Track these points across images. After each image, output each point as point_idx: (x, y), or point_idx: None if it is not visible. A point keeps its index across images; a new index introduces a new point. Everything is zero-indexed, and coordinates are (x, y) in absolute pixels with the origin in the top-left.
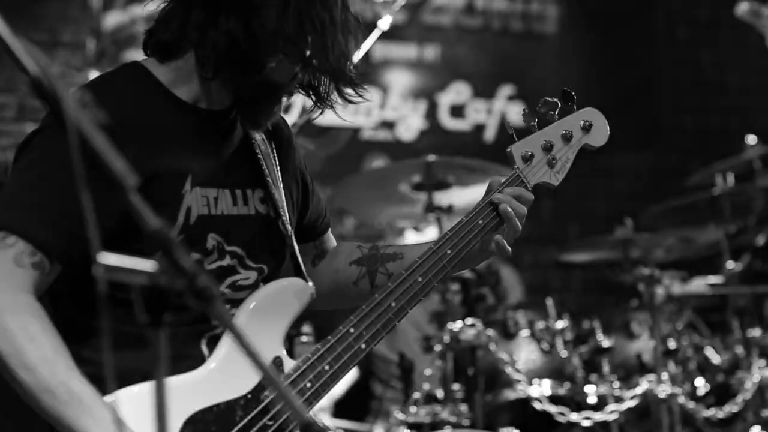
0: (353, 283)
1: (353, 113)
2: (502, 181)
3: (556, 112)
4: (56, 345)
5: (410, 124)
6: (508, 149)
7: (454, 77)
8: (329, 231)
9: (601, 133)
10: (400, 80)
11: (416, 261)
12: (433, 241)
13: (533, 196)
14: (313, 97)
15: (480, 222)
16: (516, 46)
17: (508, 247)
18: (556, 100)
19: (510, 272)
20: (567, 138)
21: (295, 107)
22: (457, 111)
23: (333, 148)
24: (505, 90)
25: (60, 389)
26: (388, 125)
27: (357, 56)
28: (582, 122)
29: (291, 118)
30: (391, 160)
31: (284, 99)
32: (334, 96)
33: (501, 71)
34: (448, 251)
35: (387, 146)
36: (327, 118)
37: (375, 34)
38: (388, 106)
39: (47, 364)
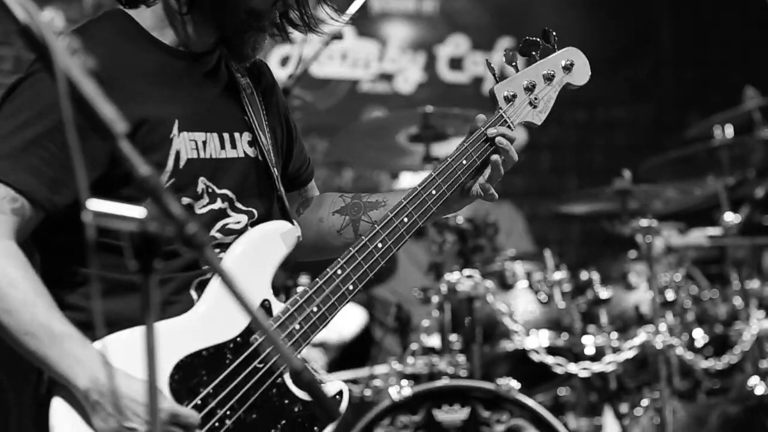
0: (337, 232)
1: (351, 65)
2: (487, 120)
3: (538, 53)
4: (36, 288)
5: (409, 77)
6: (491, 89)
7: (452, 29)
8: (313, 181)
9: (582, 72)
10: (398, 33)
11: (401, 202)
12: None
13: (516, 136)
14: (295, 21)
15: (464, 162)
16: None
17: (494, 191)
18: (537, 39)
19: (515, 216)
20: (549, 78)
21: (292, 59)
22: (456, 63)
23: (331, 101)
24: (504, 42)
25: (41, 331)
26: (387, 77)
27: (355, 7)
28: (563, 62)
29: (288, 70)
30: (389, 112)
31: (269, 28)
32: (314, 19)
33: (500, 23)
34: (433, 191)
35: (385, 98)
36: (325, 70)
37: None
38: (386, 59)
39: (27, 306)
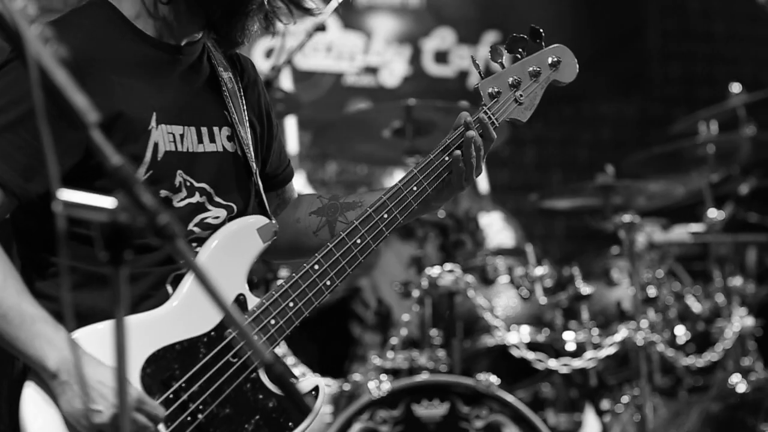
0: (313, 233)
1: (336, 58)
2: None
3: (524, 50)
4: (6, 270)
5: (394, 70)
6: (475, 86)
7: (438, 23)
8: (291, 182)
9: (569, 70)
10: (383, 25)
11: (381, 198)
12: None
13: (495, 136)
14: (282, 6)
15: (446, 158)
16: None
17: (464, 181)
18: (524, 36)
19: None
20: (534, 75)
21: (276, 52)
22: (441, 57)
23: (315, 93)
24: (490, 36)
25: (11, 313)
26: (372, 71)
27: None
28: (550, 59)
29: (271, 62)
30: (374, 105)
31: (256, 12)
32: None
33: (486, 17)
34: (414, 188)
35: (370, 92)
36: (310, 62)
37: None
38: (371, 52)
39: None
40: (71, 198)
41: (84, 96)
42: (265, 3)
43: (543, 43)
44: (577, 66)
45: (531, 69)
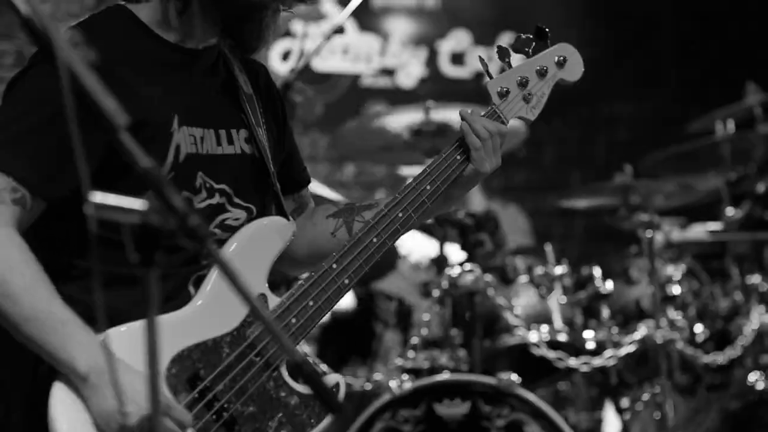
0: (331, 234)
1: (353, 60)
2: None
3: (531, 49)
4: (37, 274)
5: (410, 72)
6: (484, 84)
7: (454, 24)
8: (308, 188)
9: (575, 68)
10: (400, 27)
11: (396, 197)
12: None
13: (507, 130)
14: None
15: (458, 157)
16: None
17: (485, 166)
18: (530, 36)
19: (518, 216)
20: (542, 73)
21: (293, 54)
22: (458, 58)
23: (332, 95)
24: (506, 37)
25: (42, 316)
26: (388, 72)
27: (356, 3)
28: (556, 58)
29: (289, 65)
30: (391, 107)
31: (273, 19)
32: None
33: (501, 18)
34: (428, 187)
35: (387, 93)
36: (327, 64)
37: None
38: (388, 54)
39: (28, 292)
40: (103, 200)
41: (112, 99)
42: (279, 9)
43: (549, 42)
44: (583, 65)
45: (538, 67)
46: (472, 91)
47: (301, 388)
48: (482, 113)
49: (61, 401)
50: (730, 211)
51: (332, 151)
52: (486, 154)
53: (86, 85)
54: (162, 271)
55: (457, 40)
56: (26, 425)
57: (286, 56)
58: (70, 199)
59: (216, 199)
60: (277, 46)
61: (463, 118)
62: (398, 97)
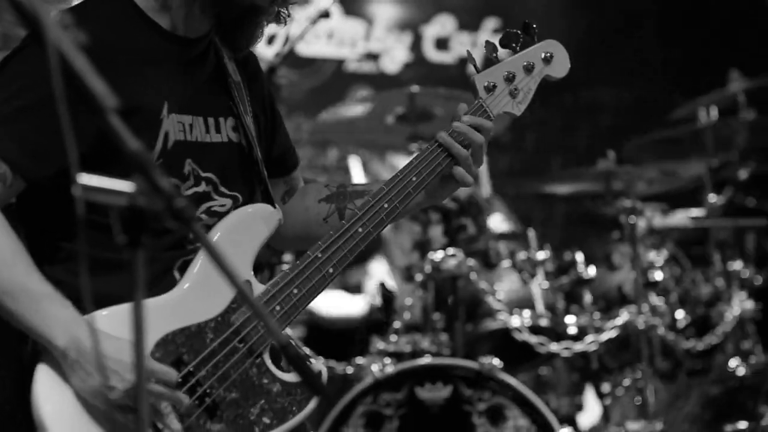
0: (323, 220)
1: (338, 45)
2: (466, 110)
3: (518, 44)
4: (15, 248)
5: (395, 57)
6: (471, 79)
7: (438, 9)
8: (298, 170)
9: (561, 64)
10: (384, 12)
11: (383, 188)
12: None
13: (492, 126)
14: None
15: (442, 151)
16: None
17: (469, 176)
18: (518, 31)
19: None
20: (528, 69)
21: (279, 38)
22: (442, 43)
23: (317, 80)
24: (490, 23)
25: (19, 291)
26: (373, 57)
27: None
28: (543, 54)
29: (274, 49)
30: (375, 92)
31: (264, 22)
32: None
33: (486, 4)
34: (414, 178)
35: (371, 78)
36: (311, 49)
37: None
38: (372, 38)
39: (6, 266)
40: (90, 182)
41: (102, 82)
42: (275, 11)
43: (536, 38)
44: (569, 62)
45: (525, 63)
46: (456, 77)
47: (284, 375)
48: (468, 109)
49: (44, 384)
50: (712, 198)
51: (316, 136)
52: (473, 162)
53: (75, 66)
54: (149, 253)
55: (442, 25)
56: (17, 408)
57: (271, 40)
58: (56, 181)
59: (202, 187)
60: None
61: (441, 143)
62: (383, 82)
